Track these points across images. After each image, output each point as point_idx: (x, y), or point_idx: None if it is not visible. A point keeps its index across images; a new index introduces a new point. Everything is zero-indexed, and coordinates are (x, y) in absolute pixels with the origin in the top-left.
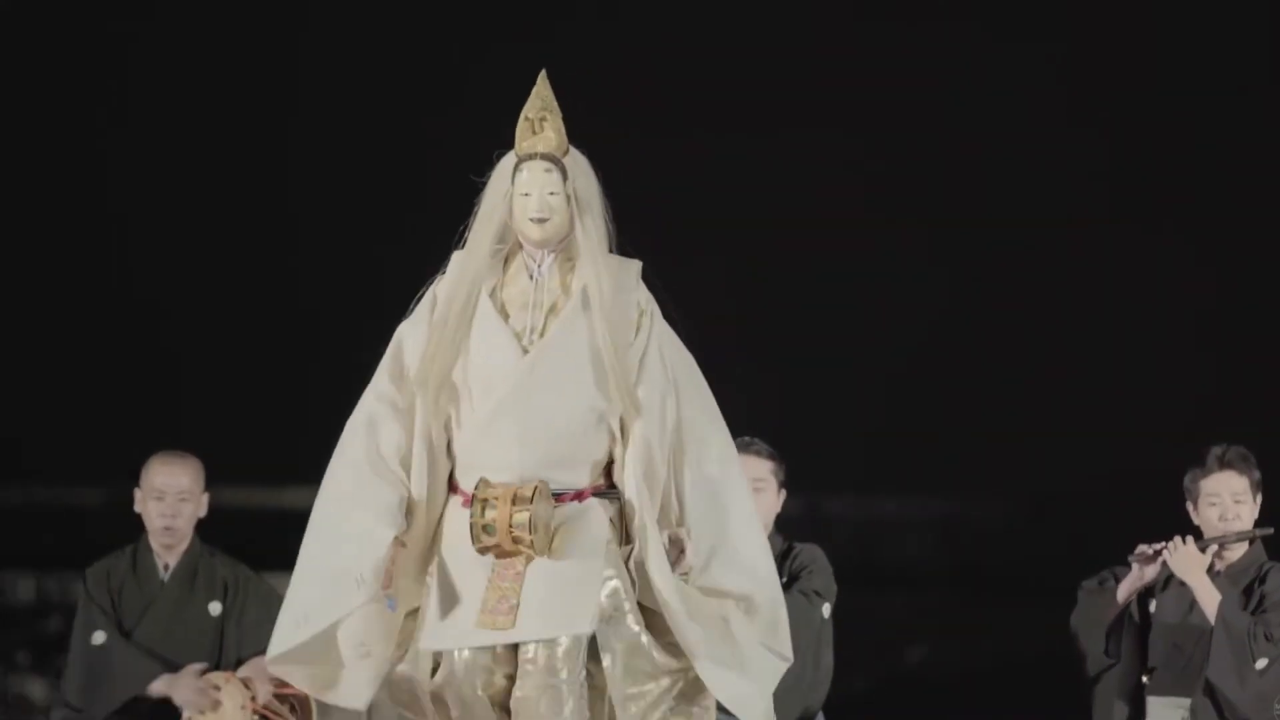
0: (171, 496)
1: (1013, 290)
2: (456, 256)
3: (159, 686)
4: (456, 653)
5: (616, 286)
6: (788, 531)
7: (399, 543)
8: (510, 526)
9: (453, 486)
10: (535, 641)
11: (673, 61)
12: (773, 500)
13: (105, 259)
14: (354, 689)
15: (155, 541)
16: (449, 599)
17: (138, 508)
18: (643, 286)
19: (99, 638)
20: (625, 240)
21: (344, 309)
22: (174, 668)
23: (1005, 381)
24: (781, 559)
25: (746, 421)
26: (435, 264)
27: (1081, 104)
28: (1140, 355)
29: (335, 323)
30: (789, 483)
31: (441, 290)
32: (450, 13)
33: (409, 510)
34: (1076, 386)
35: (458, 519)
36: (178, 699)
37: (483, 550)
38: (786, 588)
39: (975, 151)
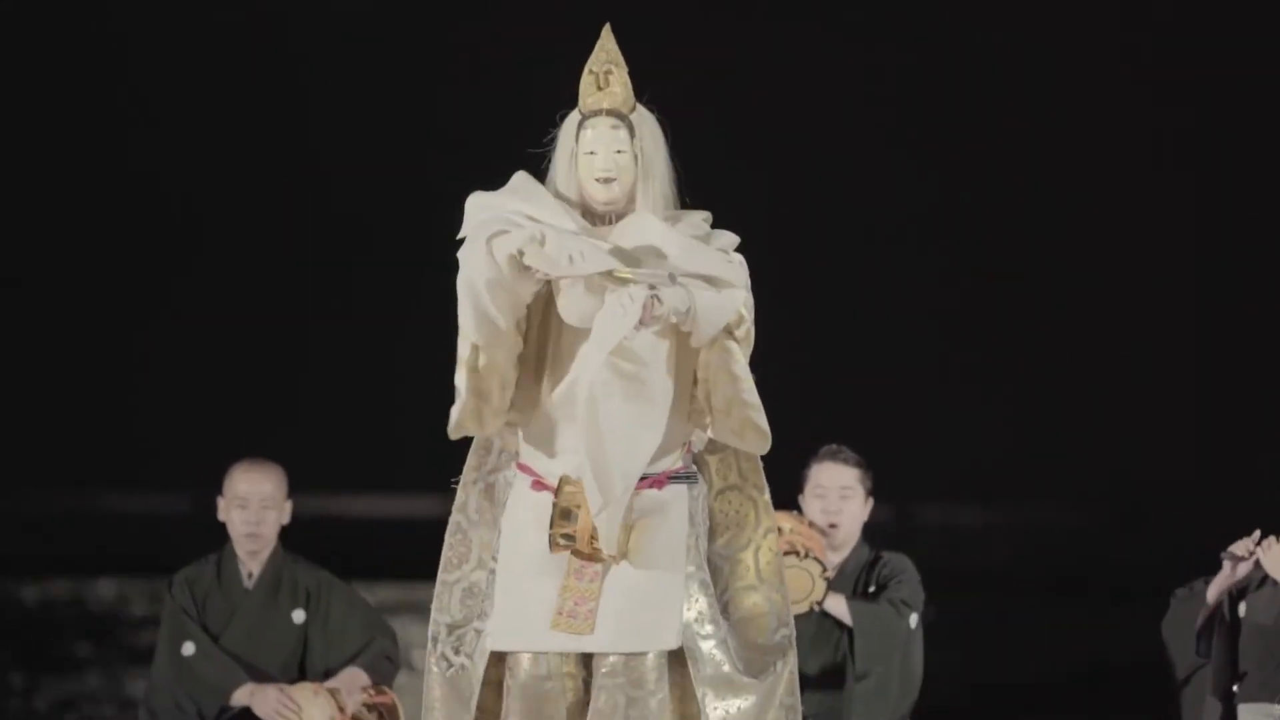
0: (255, 504)
1: (1094, 296)
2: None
3: (241, 696)
4: (528, 656)
5: (684, 240)
6: (875, 540)
7: None
8: (592, 539)
9: (519, 464)
10: (617, 654)
11: None
12: (860, 508)
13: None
14: None
15: (240, 549)
16: (518, 594)
17: (221, 516)
18: (720, 234)
19: (189, 649)
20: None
21: (433, 322)
22: (259, 675)
23: (1094, 386)
24: (869, 568)
25: (838, 428)
26: None
27: None
28: (1228, 359)
29: (420, 334)
30: (876, 490)
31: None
32: None
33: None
34: (1166, 391)
35: (525, 503)
36: (259, 711)
37: (558, 552)
38: (873, 596)
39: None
